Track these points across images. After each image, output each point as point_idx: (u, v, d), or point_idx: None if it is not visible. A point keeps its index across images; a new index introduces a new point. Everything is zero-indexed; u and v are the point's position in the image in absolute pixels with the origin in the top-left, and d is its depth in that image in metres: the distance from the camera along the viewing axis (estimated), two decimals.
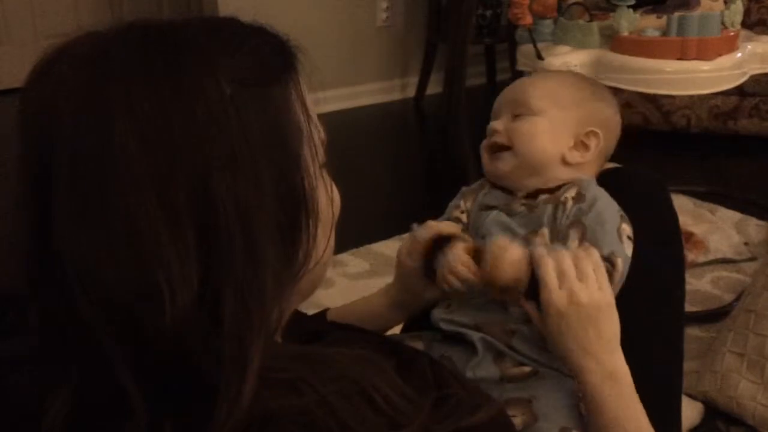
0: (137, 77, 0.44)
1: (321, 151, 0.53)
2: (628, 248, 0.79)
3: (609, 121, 0.90)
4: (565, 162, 0.86)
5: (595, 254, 0.74)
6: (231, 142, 0.44)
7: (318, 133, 0.52)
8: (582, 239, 0.78)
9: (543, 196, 0.84)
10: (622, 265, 0.76)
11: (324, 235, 0.52)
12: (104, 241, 0.43)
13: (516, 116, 0.87)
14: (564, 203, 0.82)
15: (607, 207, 0.81)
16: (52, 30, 3.40)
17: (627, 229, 0.80)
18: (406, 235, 0.86)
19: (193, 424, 0.43)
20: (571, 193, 0.83)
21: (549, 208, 0.82)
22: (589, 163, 0.88)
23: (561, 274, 0.71)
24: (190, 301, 0.43)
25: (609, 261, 0.75)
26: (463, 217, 0.90)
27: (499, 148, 0.87)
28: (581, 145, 0.87)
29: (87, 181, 0.43)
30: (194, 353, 0.43)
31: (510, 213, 0.85)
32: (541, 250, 0.73)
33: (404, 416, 0.47)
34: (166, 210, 0.42)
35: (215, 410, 0.42)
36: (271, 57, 0.50)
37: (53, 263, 0.43)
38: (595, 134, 0.87)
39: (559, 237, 0.80)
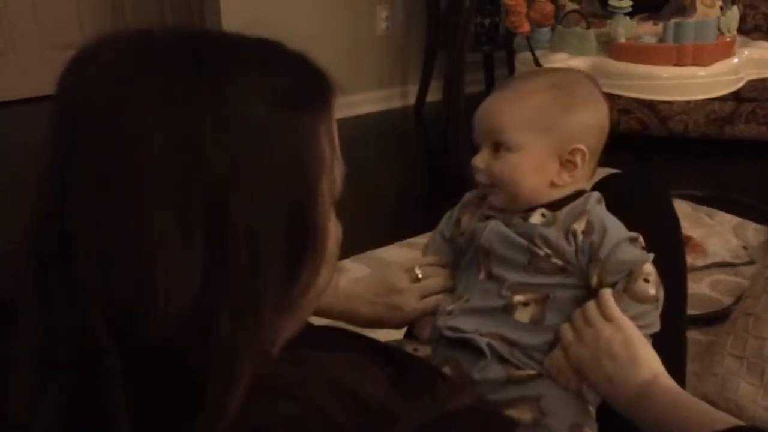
0: (178, 78, 0.44)
1: (338, 188, 0.52)
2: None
3: (591, 128, 0.86)
4: (554, 185, 0.84)
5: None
6: (254, 157, 0.44)
7: (339, 171, 0.52)
8: (602, 274, 0.80)
9: (540, 209, 0.84)
10: (653, 269, 0.80)
11: (327, 270, 0.52)
12: (114, 227, 0.42)
13: (495, 148, 0.84)
14: (574, 234, 0.81)
15: (615, 230, 0.81)
16: (56, 40, 3.40)
17: (639, 239, 0.82)
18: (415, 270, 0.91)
19: None
20: (580, 225, 0.82)
21: (542, 221, 0.83)
22: (580, 175, 0.86)
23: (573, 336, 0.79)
24: (184, 308, 0.42)
25: (644, 279, 0.79)
26: (445, 246, 0.92)
27: (487, 185, 0.86)
28: (568, 163, 0.84)
29: (109, 166, 0.43)
30: (182, 363, 0.43)
31: (508, 223, 0.84)
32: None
33: (397, 421, 0.47)
34: (179, 212, 0.42)
35: (197, 422, 0.42)
36: (307, 85, 0.50)
37: (63, 244, 0.43)
38: (580, 150, 0.84)
39: (575, 267, 0.82)
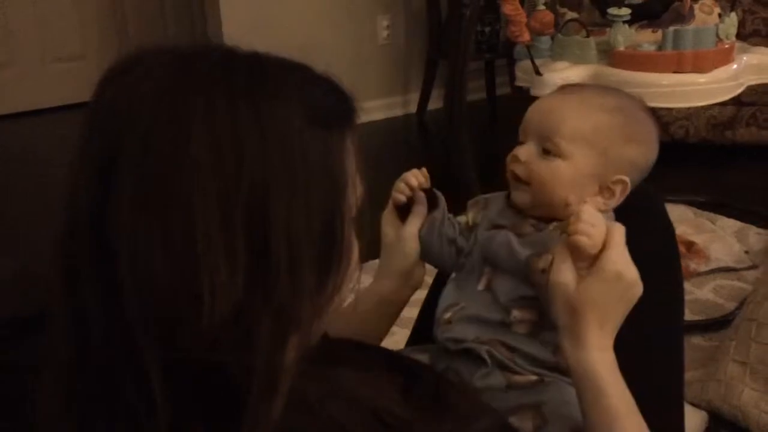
0: (218, 90, 0.46)
1: (356, 206, 0.54)
2: None
3: (641, 165, 0.84)
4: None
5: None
6: (292, 169, 0.46)
7: (359, 190, 0.54)
8: None
9: (555, 223, 0.82)
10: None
11: (348, 283, 0.53)
12: (160, 235, 0.43)
13: (544, 149, 0.82)
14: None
15: None
16: (58, 53, 3.41)
17: None
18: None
19: None
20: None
21: (556, 234, 0.80)
22: (612, 204, 0.83)
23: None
24: (229, 311, 0.43)
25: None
26: (464, 230, 0.89)
27: (519, 178, 0.83)
28: (607, 190, 0.82)
29: (154, 174, 0.44)
30: (225, 366, 0.44)
31: (519, 234, 0.83)
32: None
33: None
34: (224, 218, 0.44)
35: (242, 425, 0.43)
36: (336, 105, 0.53)
37: (103, 252, 0.44)
38: (623, 182, 0.82)
39: None
